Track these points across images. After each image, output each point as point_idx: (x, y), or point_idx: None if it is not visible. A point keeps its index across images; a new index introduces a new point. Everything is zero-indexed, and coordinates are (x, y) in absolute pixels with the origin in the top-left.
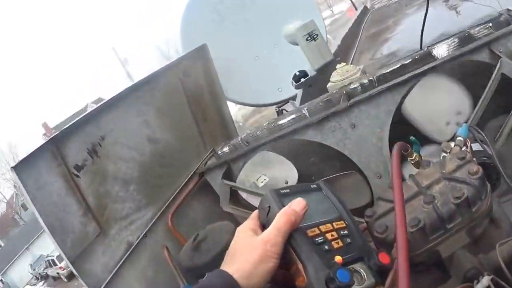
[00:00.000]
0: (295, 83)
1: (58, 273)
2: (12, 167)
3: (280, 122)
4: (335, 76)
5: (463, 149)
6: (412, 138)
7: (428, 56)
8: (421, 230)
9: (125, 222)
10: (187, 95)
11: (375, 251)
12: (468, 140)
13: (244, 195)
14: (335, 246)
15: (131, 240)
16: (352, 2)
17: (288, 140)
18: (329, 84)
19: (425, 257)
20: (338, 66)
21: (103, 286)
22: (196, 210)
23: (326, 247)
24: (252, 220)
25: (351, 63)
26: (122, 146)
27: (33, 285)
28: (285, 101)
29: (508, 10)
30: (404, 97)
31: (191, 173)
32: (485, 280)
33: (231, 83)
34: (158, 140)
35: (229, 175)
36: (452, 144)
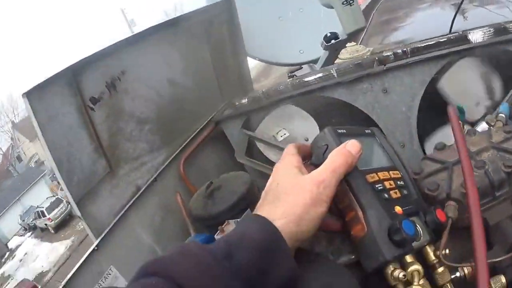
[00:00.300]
0: (325, 43)
1: (46, 224)
2: (24, 93)
3: (306, 79)
4: (344, 54)
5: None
6: (459, 105)
7: (463, 38)
8: None
9: (135, 163)
10: (210, 44)
11: (434, 206)
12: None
13: (261, 147)
14: (394, 196)
15: (140, 184)
16: None
17: (311, 98)
18: (337, 61)
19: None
20: (348, 44)
21: (107, 230)
22: (207, 159)
23: (386, 195)
24: (294, 157)
25: (360, 44)
26: (142, 84)
27: (21, 235)
28: (304, 63)
29: None
30: (438, 72)
31: (207, 121)
32: None
33: (252, 40)
34: (178, 84)
35: (247, 127)
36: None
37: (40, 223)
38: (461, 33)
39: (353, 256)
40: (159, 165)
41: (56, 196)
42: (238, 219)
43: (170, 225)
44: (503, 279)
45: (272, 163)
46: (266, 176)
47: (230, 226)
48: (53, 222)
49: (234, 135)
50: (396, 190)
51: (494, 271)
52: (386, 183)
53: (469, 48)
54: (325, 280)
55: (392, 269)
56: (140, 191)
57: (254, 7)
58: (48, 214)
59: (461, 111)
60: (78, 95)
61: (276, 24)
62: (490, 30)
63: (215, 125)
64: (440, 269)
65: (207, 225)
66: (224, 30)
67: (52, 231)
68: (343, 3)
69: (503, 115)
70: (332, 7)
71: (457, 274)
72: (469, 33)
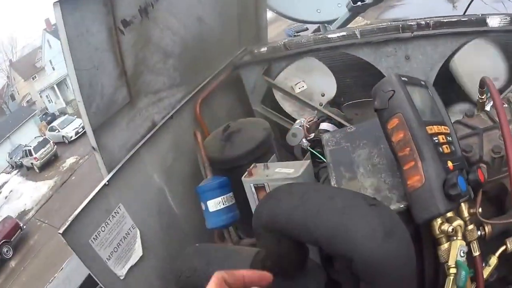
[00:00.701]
0: (352, 4)
1: (32, 163)
2: (56, 1)
3: (330, 36)
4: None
5: None
6: (484, 76)
7: (482, 22)
8: (500, 159)
9: (154, 98)
10: None
11: (475, 166)
12: None
13: (278, 97)
14: (445, 150)
15: (156, 119)
16: None
17: (333, 55)
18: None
19: (493, 187)
20: None
21: (119, 165)
22: (220, 104)
23: (440, 149)
24: None
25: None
26: (173, 16)
27: (7, 173)
28: (320, 23)
29: None
30: (457, 50)
31: (225, 65)
32: None
33: None
34: (205, 23)
35: (267, 75)
36: None
37: (26, 162)
38: (480, 16)
39: (402, 205)
40: (177, 102)
41: (44, 137)
42: (267, 163)
43: (182, 166)
44: None
45: (287, 115)
46: (279, 126)
47: (258, 169)
48: (38, 161)
49: (251, 82)
50: (447, 145)
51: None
52: (440, 137)
53: (489, 31)
54: None
55: (440, 221)
56: (156, 128)
57: None
58: (35, 153)
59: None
60: (111, 14)
61: None
62: (506, 18)
63: (233, 69)
64: (470, 227)
65: (223, 168)
66: None
67: (37, 170)
68: None
69: None
70: None
71: (478, 233)
72: (488, 17)
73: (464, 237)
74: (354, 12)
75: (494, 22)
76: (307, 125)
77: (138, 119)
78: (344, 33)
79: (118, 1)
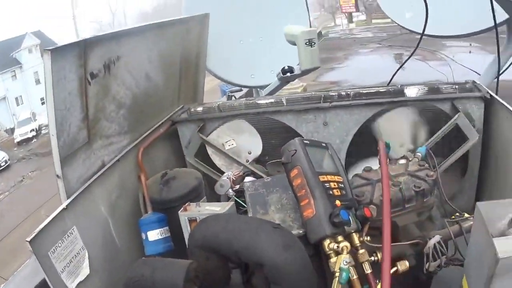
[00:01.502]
0: (281, 74)
1: None
2: (47, 49)
3: (259, 101)
4: None
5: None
6: (387, 141)
7: (400, 92)
8: None
9: (106, 141)
10: (181, 51)
11: (362, 206)
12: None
13: (209, 152)
14: (336, 193)
15: (106, 160)
16: (309, 23)
17: (261, 119)
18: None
19: None
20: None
21: (76, 193)
22: (159, 153)
23: (331, 192)
24: None
25: None
26: (128, 72)
27: None
28: (253, 87)
29: (474, 81)
30: (374, 115)
31: (165, 119)
32: (437, 237)
33: (213, 56)
34: (152, 80)
35: (201, 132)
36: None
37: None
38: (399, 86)
39: (301, 231)
40: (123, 148)
41: None
42: (197, 202)
43: (124, 203)
44: (406, 263)
45: (216, 168)
46: (209, 178)
47: (191, 206)
48: None
49: (187, 137)
50: (338, 190)
51: (400, 258)
52: (332, 184)
53: (403, 101)
54: None
55: (329, 242)
56: (105, 168)
57: (221, 27)
58: None
59: (388, 146)
60: (83, 67)
61: (237, 46)
62: (424, 88)
63: (171, 124)
64: (362, 251)
65: (160, 208)
66: (194, 41)
67: None
68: (305, 44)
69: (419, 154)
70: (295, 44)
71: (372, 258)
72: (406, 87)
73: (357, 259)
74: (283, 81)
75: (411, 92)
76: (233, 178)
77: (92, 157)
78: (272, 100)
79: (90, 57)
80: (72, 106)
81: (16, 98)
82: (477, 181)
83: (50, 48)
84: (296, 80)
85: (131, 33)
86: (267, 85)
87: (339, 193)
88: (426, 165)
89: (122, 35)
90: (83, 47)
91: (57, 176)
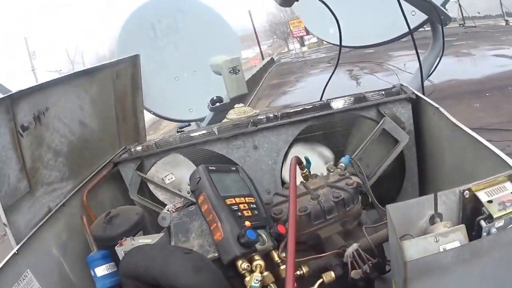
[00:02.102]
0: (211, 105)
1: None
2: None
3: (192, 134)
4: (232, 114)
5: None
6: (306, 156)
7: (326, 106)
8: (307, 216)
9: (49, 188)
10: (115, 94)
11: (275, 223)
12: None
13: (151, 187)
14: (246, 214)
15: (51, 206)
16: (260, 51)
17: (196, 150)
18: (224, 120)
19: (308, 237)
20: (236, 106)
21: (25, 239)
22: (105, 194)
23: (239, 214)
24: None
25: (248, 106)
26: (60, 121)
27: None
28: (192, 121)
29: (401, 85)
30: (300, 133)
31: (107, 161)
32: (354, 245)
33: (150, 94)
34: (87, 125)
35: (141, 170)
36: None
37: None
38: (325, 101)
39: (216, 254)
40: (68, 192)
41: None
42: (133, 237)
43: (75, 243)
44: (332, 274)
45: (160, 202)
46: (153, 212)
47: (127, 241)
48: None
49: (129, 176)
50: (249, 210)
51: (326, 269)
52: (241, 205)
53: (327, 114)
54: None
55: (241, 262)
56: (51, 213)
57: (156, 65)
58: None
59: (307, 161)
60: (13, 120)
61: (173, 83)
62: (350, 99)
63: (113, 165)
64: (283, 266)
65: (106, 244)
66: (128, 82)
67: None
68: (230, 72)
69: (342, 164)
70: (220, 74)
71: (298, 272)
72: (332, 101)
73: (280, 276)
74: (217, 111)
75: (338, 104)
76: (173, 210)
77: (37, 204)
78: (204, 132)
79: (18, 110)
80: (8, 158)
81: None
82: (417, 181)
83: None
84: (249, 107)
85: (58, 83)
86: (204, 118)
87: (250, 214)
88: (347, 174)
89: (49, 86)
90: (9, 102)
91: (4, 224)
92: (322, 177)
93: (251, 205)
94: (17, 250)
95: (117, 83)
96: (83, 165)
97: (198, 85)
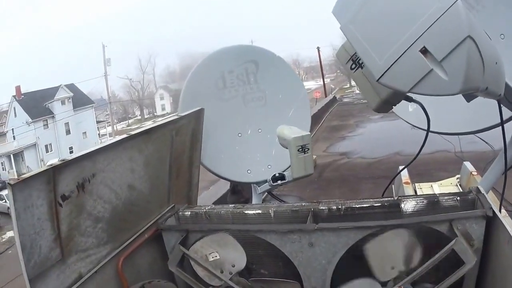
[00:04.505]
0: (272, 182)
1: None
2: (9, 183)
3: (246, 212)
4: None
5: None
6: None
7: (396, 206)
8: None
9: (83, 255)
10: (171, 152)
11: None
12: None
13: (192, 262)
14: None
15: (82, 272)
16: (324, 89)
17: (242, 234)
18: None
19: None
20: None
21: None
22: (143, 257)
23: None
24: None
25: None
26: (106, 187)
27: None
28: (249, 183)
29: (478, 189)
30: (363, 239)
31: (151, 223)
32: None
33: (209, 150)
34: (135, 189)
35: (185, 240)
36: None
37: None
38: (395, 199)
39: None
40: (102, 258)
41: None
42: None
43: None
44: None
45: (200, 279)
46: None
47: None
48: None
49: (171, 242)
50: None
51: None
52: None
53: (395, 225)
54: None
55: None
56: (81, 280)
57: (219, 118)
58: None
59: None
60: (53, 191)
61: (235, 139)
62: (423, 201)
63: (156, 229)
64: None
65: None
66: (187, 138)
67: None
68: (298, 150)
69: None
70: (286, 147)
71: None
72: (403, 201)
73: None
74: (275, 187)
75: (408, 206)
76: None
77: (67, 272)
78: (260, 212)
79: (60, 180)
80: (42, 229)
81: (46, 146)
82: None
83: (13, 183)
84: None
85: (107, 149)
86: (263, 181)
87: None
88: None
89: (96, 153)
90: (52, 173)
91: None
92: None
93: None
94: None
95: (176, 140)
96: (124, 229)
97: (261, 145)
